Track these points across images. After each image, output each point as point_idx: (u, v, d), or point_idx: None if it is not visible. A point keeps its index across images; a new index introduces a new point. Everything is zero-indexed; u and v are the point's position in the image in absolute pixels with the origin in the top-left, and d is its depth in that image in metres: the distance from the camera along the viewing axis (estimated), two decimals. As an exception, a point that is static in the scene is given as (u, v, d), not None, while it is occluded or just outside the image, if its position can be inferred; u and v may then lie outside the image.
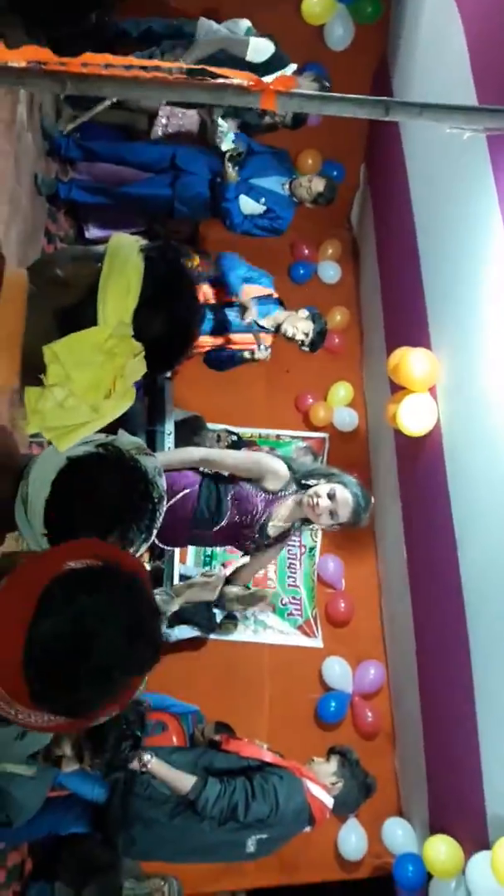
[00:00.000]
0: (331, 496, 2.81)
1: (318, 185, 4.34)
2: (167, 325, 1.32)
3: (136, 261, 1.29)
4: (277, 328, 4.26)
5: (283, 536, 3.03)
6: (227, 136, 4.12)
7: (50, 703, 1.03)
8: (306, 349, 4.28)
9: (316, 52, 4.94)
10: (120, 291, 1.27)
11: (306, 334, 4.18)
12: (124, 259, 1.29)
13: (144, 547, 1.42)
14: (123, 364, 1.26)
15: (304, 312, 4.30)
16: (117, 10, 4.15)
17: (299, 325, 4.20)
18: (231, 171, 4.15)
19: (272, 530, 2.94)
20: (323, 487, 2.83)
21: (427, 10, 4.12)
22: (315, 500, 2.80)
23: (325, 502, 2.81)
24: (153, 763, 2.96)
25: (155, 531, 1.43)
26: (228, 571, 3.29)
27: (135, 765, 2.92)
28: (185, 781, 2.98)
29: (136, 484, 1.36)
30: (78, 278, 1.30)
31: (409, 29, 4.51)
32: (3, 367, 1.22)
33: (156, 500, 1.39)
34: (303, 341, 4.19)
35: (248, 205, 4.31)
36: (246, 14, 4.37)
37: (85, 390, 1.25)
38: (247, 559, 3.26)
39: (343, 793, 3.21)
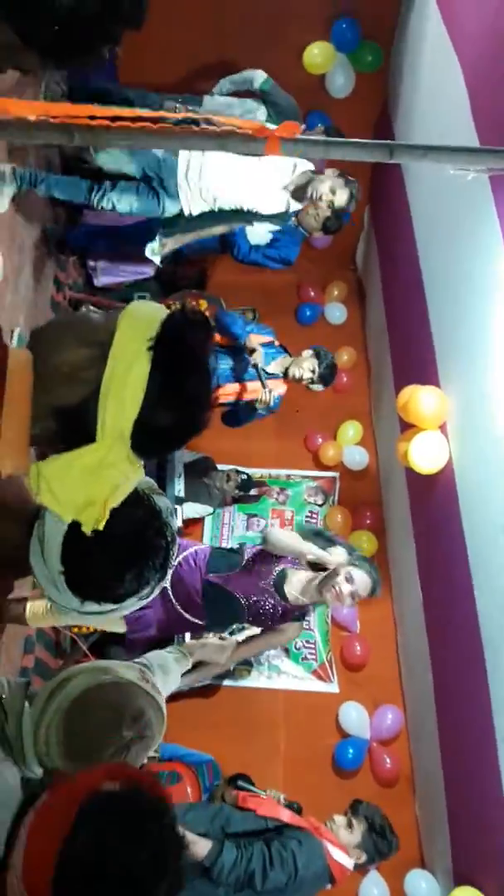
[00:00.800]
0: (349, 579, 3.18)
1: (325, 211, 4.33)
2: (175, 418, 1.28)
3: (140, 370, 1.22)
4: (285, 374, 4.30)
5: (300, 615, 3.27)
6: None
7: None
8: (318, 386, 4.30)
9: (318, 100, 5.04)
10: (121, 403, 1.22)
11: (313, 371, 4.21)
12: (128, 365, 1.22)
13: (158, 588, 1.41)
14: (118, 481, 1.25)
15: (307, 352, 4.34)
16: (123, 76, 4.25)
17: (304, 365, 4.25)
18: None
19: (290, 596, 3.13)
20: (340, 578, 3.17)
21: (426, 57, 4.22)
22: (338, 588, 3.16)
23: (346, 588, 3.18)
24: None
25: (169, 571, 1.43)
26: (242, 637, 3.36)
27: None
28: (199, 847, 2.89)
29: (151, 521, 1.36)
30: (81, 372, 1.25)
31: (408, 75, 4.61)
32: (13, 457, 1.22)
33: (169, 539, 1.39)
34: (312, 379, 4.22)
35: (255, 233, 4.34)
36: (249, 65, 4.47)
37: (77, 509, 1.24)
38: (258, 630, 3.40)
39: (364, 861, 3.13)
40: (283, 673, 4.80)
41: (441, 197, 3.84)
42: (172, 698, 4.28)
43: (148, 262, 4.58)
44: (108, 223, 4.44)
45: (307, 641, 4.90)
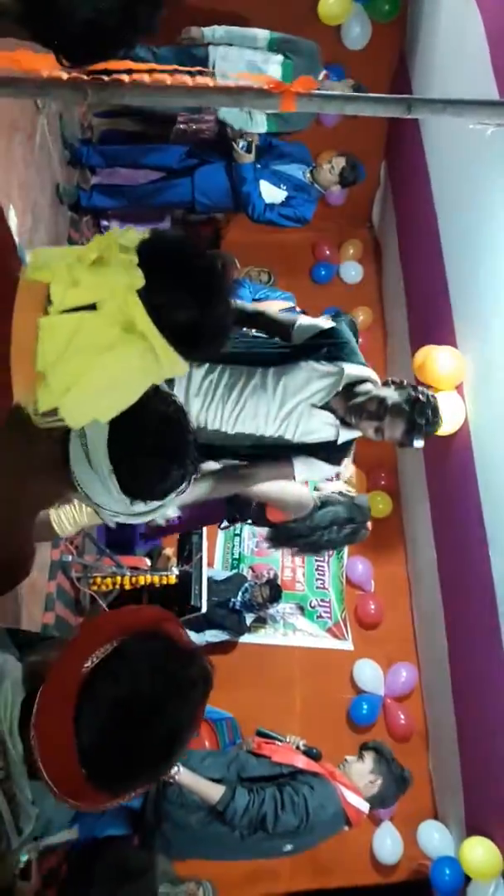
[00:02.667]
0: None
1: (340, 161, 4.29)
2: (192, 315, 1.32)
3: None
4: None
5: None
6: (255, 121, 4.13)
7: (131, 790, 1.07)
8: None
9: (334, 52, 4.92)
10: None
11: None
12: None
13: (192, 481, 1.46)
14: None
15: (323, 317, 4.25)
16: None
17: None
18: (242, 152, 4.12)
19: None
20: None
21: (445, 5, 4.10)
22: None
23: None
24: (181, 774, 2.97)
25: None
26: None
27: None
28: (213, 792, 2.97)
29: (182, 417, 1.40)
30: None
31: (426, 25, 4.48)
32: (20, 381, 1.22)
33: (194, 434, 1.44)
34: None
35: (270, 191, 4.26)
36: (263, 17, 4.37)
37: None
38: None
39: (379, 792, 3.18)
40: (299, 630, 4.87)
41: (459, 152, 3.76)
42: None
43: (161, 220, 4.55)
44: (120, 182, 4.41)
45: (322, 600, 4.95)
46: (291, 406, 2.51)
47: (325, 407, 2.52)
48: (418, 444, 2.48)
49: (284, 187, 4.31)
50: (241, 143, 4.11)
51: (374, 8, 4.89)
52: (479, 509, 3.49)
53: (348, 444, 2.58)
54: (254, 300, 4.11)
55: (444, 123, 3.62)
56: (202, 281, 1.35)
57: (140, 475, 1.33)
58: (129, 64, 1.96)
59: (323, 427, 2.52)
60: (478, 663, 3.64)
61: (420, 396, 2.47)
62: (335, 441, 2.52)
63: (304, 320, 2.68)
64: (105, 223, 4.57)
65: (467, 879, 3.55)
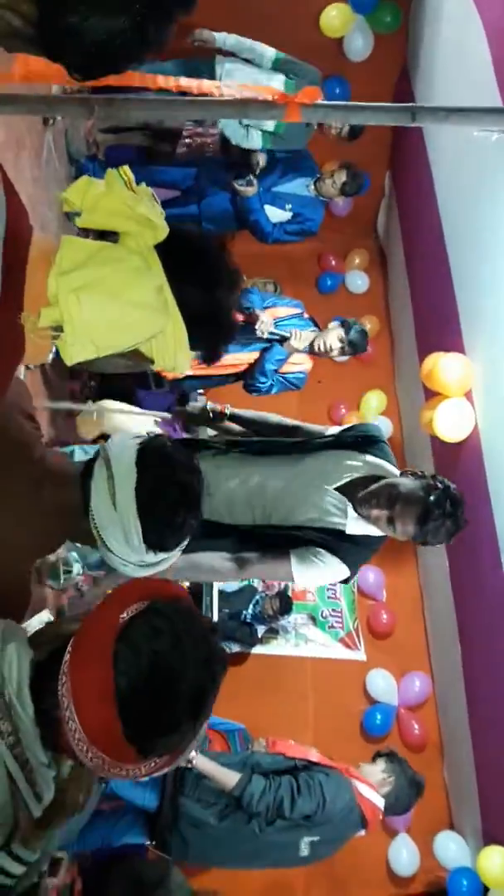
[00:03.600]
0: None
1: (342, 175, 4.32)
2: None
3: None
4: (311, 348, 4.17)
5: None
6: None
7: (159, 750, 1.07)
8: (345, 357, 4.13)
9: (337, 64, 4.96)
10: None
11: (341, 339, 4.07)
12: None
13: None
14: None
15: (332, 324, 4.23)
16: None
17: (331, 335, 4.11)
18: (243, 189, 4.17)
19: None
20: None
21: (446, 16, 4.12)
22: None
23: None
24: (199, 759, 2.98)
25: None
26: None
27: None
28: (229, 777, 3.01)
29: (196, 469, 1.44)
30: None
31: (428, 35, 4.51)
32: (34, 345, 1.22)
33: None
34: (342, 348, 4.07)
35: (275, 213, 4.31)
36: (265, 31, 4.40)
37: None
38: None
39: (395, 789, 3.18)
40: (311, 641, 4.85)
41: (464, 160, 3.78)
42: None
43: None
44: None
45: (333, 610, 4.94)
46: (305, 478, 2.39)
47: (341, 492, 2.38)
48: (436, 538, 2.27)
49: (289, 207, 4.35)
50: (241, 180, 4.15)
51: (375, 20, 4.92)
52: (490, 516, 3.47)
53: (367, 541, 2.36)
54: (263, 308, 4.09)
55: (448, 132, 3.64)
56: (221, 273, 1.39)
57: (162, 524, 1.34)
58: (134, 77, 1.98)
59: (329, 507, 2.33)
60: (492, 670, 3.62)
61: (438, 484, 2.29)
62: (344, 531, 2.32)
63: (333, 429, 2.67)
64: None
65: (485, 890, 3.52)
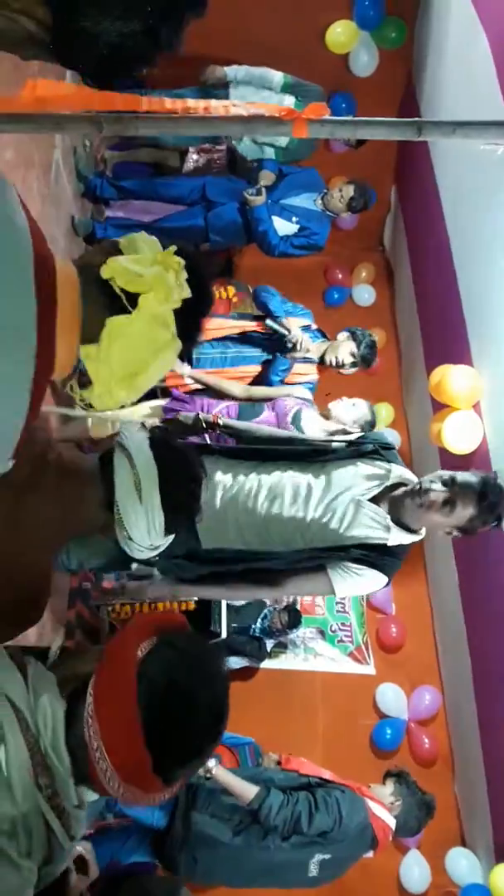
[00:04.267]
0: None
1: (349, 191, 4.36)
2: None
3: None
4: (322, 360, 4.16)
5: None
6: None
7: (185, 776, 1.14)
8: (353, 369, 4.12)
9: (342, 80, 5.00)
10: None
11: (353, 354, 4.05)
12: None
13: None
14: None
15: (342, 335, 4.21)
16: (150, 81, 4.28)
17: (342, 349, 4.09)
18: (252, 198, 4.20)
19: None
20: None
21: (451, 31, 4.15)
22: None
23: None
24: (217, 769, 2.96)
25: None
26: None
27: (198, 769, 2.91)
28: (248, 789, 2.99)
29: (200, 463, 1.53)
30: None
31: (433, 51, 4.54)
32: (63, 354, 1.22)
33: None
34: (354, 362, 4.05)
35: (282, 225, 4.34)
36: (272, 48, 4.45)
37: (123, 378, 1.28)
38: None
39: (403, 811, 3.16)
40: (320, 655, 4.83)
41: (470, 173, 3.79)
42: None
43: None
44: (134, 215, 4.47)
45: (343, 624, 4.91)
46: (337, 492, 2.39)
47: (375, 503, 2.40)
48: (491, 517, 2.31)
49: (296, 219, 4.38)
50: (252, 189, 4.20)
51: (380, 36, 4.96)
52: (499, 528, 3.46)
53: (402, 550, 2.39)
54: (285, 314, 4.11)
55: (454, 145, 3.66)
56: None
57: (181, 511, 1.44)
58: (142, 101, 2.00)
59: (371, 523, 2.35)
60: (502, 684, 3.59)
61: (490, 479, 2.34)
62: (385, 544, 2.34)
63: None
64: None
65: (498, 908, 3.47)
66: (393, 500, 2.39)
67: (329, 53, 4.90)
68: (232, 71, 4.30)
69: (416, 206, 5.09)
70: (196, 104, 2.14)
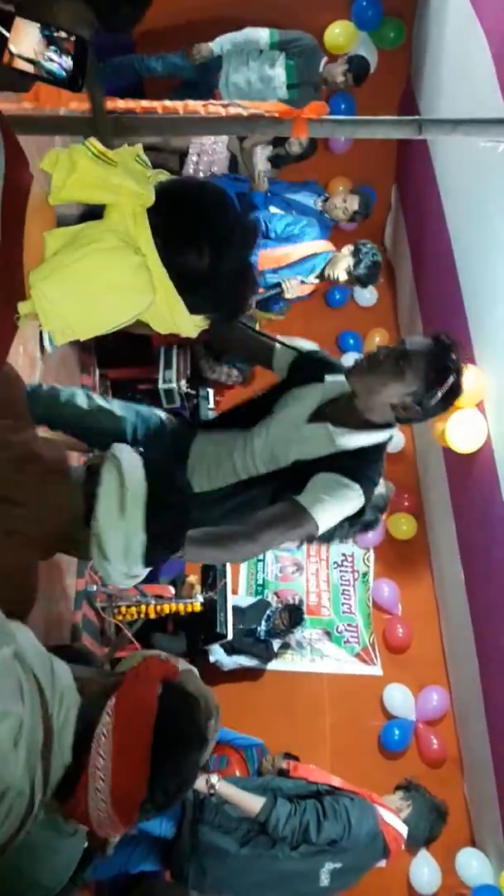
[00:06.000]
0: None
1: (354, 203, 4.36)
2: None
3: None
4: (321, 275, 4.08)
5: None
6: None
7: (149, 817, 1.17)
8: (354, 286, 4.07)
9: (341, 80, 4.98)
10: None
11: (349, 272, 3.92)
12: None
13: None
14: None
15: (345, 249, 4.07)
16: (142, 46, 4.31)
17: (339, 265, 3.97)
18: (261, 179, 4.21)
19: None
20: None
21: (449, 30, 4.15)
22: None
23: None
24: (220, 785, 2.93)
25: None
26: None
27: (201, 786, 2.89)
28: (254, 802, 2.95)
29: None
30: None
31: (432, 50, 4.54)
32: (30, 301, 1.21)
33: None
34: (348, 281, 3.91)
35: (278, 213, 4.35)
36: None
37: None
38: None
39: (414, 816, 3.13)
40: (327, 656, 4.82)
41: (470, 171, 3.79)
42: (217, 681, 4.32)
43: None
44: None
45: (349, 625, 4.90)
46: (281, 429, 2.17)
47: (317, 421, 2.15)
48: (444, 382, 2.00)
49: (294, 213, 4.37)
50: (265, 171, 4.22)
51: (379, 36, 4.96)
52: (505, 527, 3.45)
53: (365, 455, 2.11)
54: (283, 239, 4.06)
55: (454, 144, 3.65)
56: (224, 230, 1.31)
57: (163, 540, 1.38)
58: (143, 104, 2.01)
59: (314, 438, 2.12)
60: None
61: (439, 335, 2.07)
62: (336, 453, 2.08)
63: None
64: None
65: (509, 908, 3.46)
66: (344, 399, 2.14)
67: (328, 54, 4.89)
68: (217, 45, 4.31)
69: (416, 205, 5.08)
70: (195, 106, 2.15)
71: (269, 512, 2.04)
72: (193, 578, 4.31)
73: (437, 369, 1.98)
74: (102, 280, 1.23)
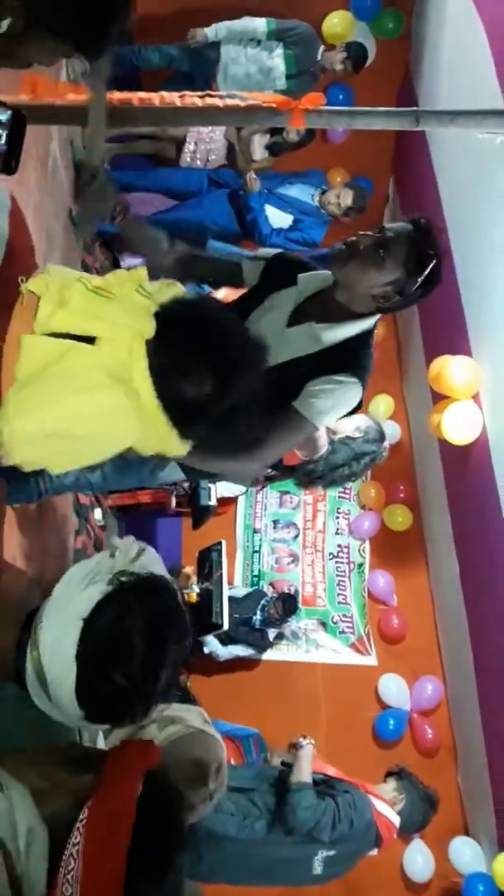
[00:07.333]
0: None
1: (347, 198, 4.36)
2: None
3: None
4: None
5: None
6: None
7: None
8: (342, 66, 4.27)
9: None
10: None
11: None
12: None
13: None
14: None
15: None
16: (140, 36, 4.28)
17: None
18: (252, 182, 4.20)
19: None
20: None
21: (448, 21, 4.14)
22: None
23: None
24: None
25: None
26: None
27: None
28: (306, 772, 3.05)
29: (169, 614, 1.15)
30: None
31: (431, 41, 4.53)
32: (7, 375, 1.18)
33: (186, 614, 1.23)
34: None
35: (276, 216, 4.33)
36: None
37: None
38: None
39: (407, 807, 3.16)
40: (322, 647, 4.84)
41: (468, 163, 3.79)
42: (212, 672, 4.33)
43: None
44: (133, 208, 4.47)
45: (344, 615, 4.92)
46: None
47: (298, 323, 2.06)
48: (424, 265, 1.96)
49: (290, 211, 4.36)
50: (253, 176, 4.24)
51: (378, 26, 4.95)
52: (500, 517, 3.47)
53: (353, 347, 2.02)
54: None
55: (452, 135, 3.65)
56: (228, 360, 1.20)
57: (107, 715, 1.14)
58: (138, 95, 2.00)
59: (296, 342, 2.02)
60: (504, 674, 3.61)
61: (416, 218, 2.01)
62: (330, 347, 2.00)
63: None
64: (119, 256, 4.63)
65: (501, 895, 3.49)
66: (324, 295, 2.05)
67: (326, 44, 4.87)
68: (212, 31, 4.29)
69: (414, 198, 5.07)
70: (192, 98, 2.14)
71: (276, 428, 1.94)
72: (189, 569, 4.32)
73: (418, 255, 1.93)
74: (87, 425, 1.17)
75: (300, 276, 2.07)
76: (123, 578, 1.11)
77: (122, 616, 1.08)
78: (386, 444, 2.53)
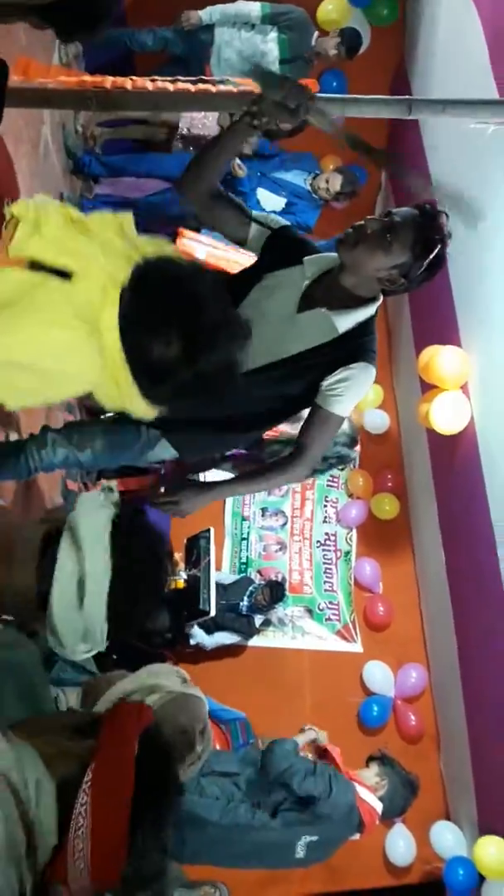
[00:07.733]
0: None
1: (336, 183, 4.35)
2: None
3: None
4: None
5: None
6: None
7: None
8: (335, 51, 4.30)
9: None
10: None
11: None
12: None
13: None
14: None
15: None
16: (134, 20, 4.24)
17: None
18: (237, 168, 4.18)
19: None
20: None
21: (443, 9, 4.12)
22: None
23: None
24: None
25: None
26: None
27: None
28: None
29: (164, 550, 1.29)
30: None
31: (425, 29, 4.51)
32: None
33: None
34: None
35: (268, 199, 4.31)
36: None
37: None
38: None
39: (389, 791, 3.21)
40: (308, 633, 4.87)
41: (460, 152, 3.78)
42: (199, 659, 4.34)
43: (164, 226, 4.57)
44: (124, 192, 4.43)
45: (330, 602, 4.95)
46: (272, 327, 2.04)
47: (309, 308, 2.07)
48: (429, 250, 1.98)
49: (284, 194, 4.35)
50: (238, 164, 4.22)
51: (372, 13, 4.92)
52: (485, 507, 3.49)
53: (361, 333, 2.07)
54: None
55: (444, 125, 3.65)
56: (200, 331, 1.19)
57: (129, 628, 1.24)
58: (130, 80, 1.99)
59: (309, 329, 2.05)
60: (488, 661, 3.64)
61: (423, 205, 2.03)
62: (341, 335, 2.04)
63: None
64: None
65: (481, 879, 3.54)
66: (329, 279, 2.08)
67: (320, 30, 4.84)
68: (206, 14, 4.26)
69: (406, 185, 5.07)
70: (186, 84, 2.13)
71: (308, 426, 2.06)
72: (177, 555, 4.33)
73: (424, 240, 1.98)
74: (45, 359, 1.17)
75: (306, 258, 2.10)
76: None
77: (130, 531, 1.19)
78: (357, 448, 2.58)
